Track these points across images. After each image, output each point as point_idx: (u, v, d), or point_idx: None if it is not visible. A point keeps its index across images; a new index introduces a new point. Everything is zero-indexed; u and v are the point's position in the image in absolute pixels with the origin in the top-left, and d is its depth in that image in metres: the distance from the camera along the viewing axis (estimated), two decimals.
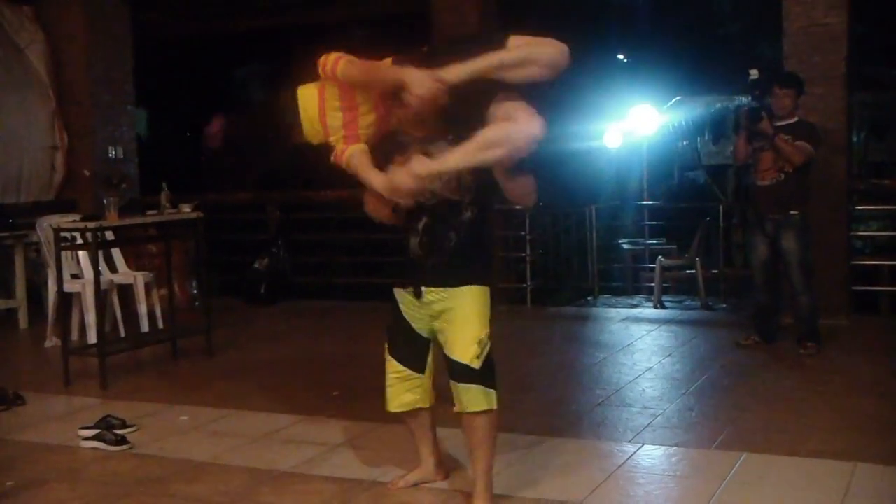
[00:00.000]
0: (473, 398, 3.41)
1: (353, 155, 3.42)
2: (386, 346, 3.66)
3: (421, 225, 3.47)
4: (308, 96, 3.45)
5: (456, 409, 3.46)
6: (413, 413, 3.69)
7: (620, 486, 3.80)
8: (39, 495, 3.89)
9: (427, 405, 3.68)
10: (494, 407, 3.45)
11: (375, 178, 3.36)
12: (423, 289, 3.48)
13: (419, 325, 3.57)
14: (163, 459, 4.30)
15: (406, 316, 3.58)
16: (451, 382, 3.45)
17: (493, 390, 3.43)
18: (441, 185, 3.36)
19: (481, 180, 3.41)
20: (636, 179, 13.56)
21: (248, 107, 15.53)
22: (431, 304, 3.49)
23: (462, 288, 3.44)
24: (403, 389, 3.62)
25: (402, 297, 3.58)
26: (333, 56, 3.31)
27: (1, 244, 8.09)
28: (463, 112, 3.28)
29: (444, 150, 3.30)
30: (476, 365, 3.40)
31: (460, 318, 3.44)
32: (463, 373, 3.41)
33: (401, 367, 3.61)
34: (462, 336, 3.43)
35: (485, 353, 3.42)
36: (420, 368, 3.62)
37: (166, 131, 14.21)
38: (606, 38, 13.31)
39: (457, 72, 3.18)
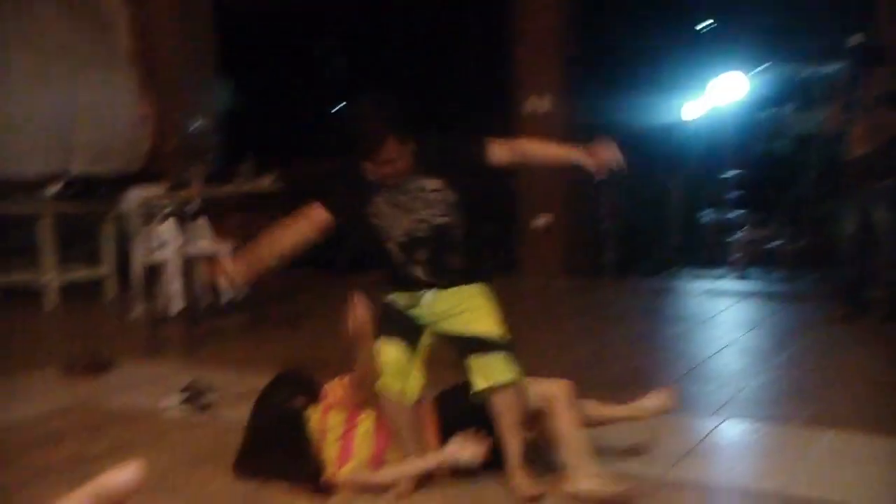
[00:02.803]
0: (501, 367, 3.37)
1: (350, 474, 3.47)
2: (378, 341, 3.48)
3: (424, 257, 3.52)
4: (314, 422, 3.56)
5: (480, 386, 3.39)
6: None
7: (702, 461, 3.75)
8: (127, 459, 3.98)
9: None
10: (521, 379, 3.42)
11: (378, 480, 3.47)
12: (428, 293, 3.54)
13: (418, 318, 3.56)
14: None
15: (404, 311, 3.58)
16: (472, 359, 3.41)
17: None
18: (429, 214, 3.48)
19: (461, 194, 3.53)
20: (719, 149, 13.28)
21: (329, 79, 15.64)
22: (436, 302, 3.53)
23: (471, 285, 3.54)
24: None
25: (399, 299, 3.60)
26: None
27: (90, 215, 8.29)
28: None
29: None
30: (501, 337, 3.42)
31: (476, 304, 3.50)
32: (487, 344, 3.40)
33: (396, 346, 3.48)
34: (483, 315, 3.48)
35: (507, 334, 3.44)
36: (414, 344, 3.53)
37: (249, 103, 14.39)
38: (689, 5, 13.03)
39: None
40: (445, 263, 3.53)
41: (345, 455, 3.52)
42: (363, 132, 3.36)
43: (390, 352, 3.46)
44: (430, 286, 3.54)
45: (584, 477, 3.32)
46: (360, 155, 3.41)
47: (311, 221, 3.63)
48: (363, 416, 3.57)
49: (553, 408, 3.45)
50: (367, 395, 3.49)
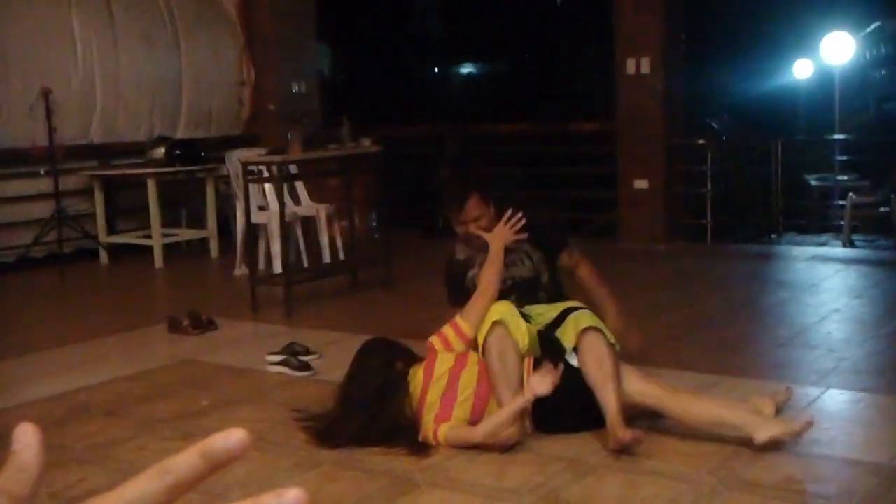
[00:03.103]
0: (590, 317, 3.64)
1: (449, 431, 3.52)
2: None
3: (512, 298, 3.83)
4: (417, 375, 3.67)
5: (571, 334, 3.58)
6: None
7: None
8: (231, 414, 4.11)
9: None
10: (613, 341, 3.58)
11: (477, 434, 3.47)
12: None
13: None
14: None
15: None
16: (566, 319, 3.64)
17: None
18: (517, 271, 4.00)
19: (549, 255, 4.07)
20: (826, 111, 12.88)
21: (425, 41, 15.65)
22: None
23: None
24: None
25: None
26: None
27: (193, 177, 8.50)
28: None
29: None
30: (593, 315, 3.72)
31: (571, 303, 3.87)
32: (578, 307, 3.74)
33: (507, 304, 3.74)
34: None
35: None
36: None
37: (348, 66, 14.51)
38: None
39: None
40: (534, 300, 3.97)
41: (444, 414, 3.56)
42: (449, 192, 3.89)
43: (502, 304, 3.70)
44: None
45: (760, 427, 3.32)
46: (448, 212, 3.97)
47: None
48: (471, 356, 3.67)
49: (656, 395, 3.52)
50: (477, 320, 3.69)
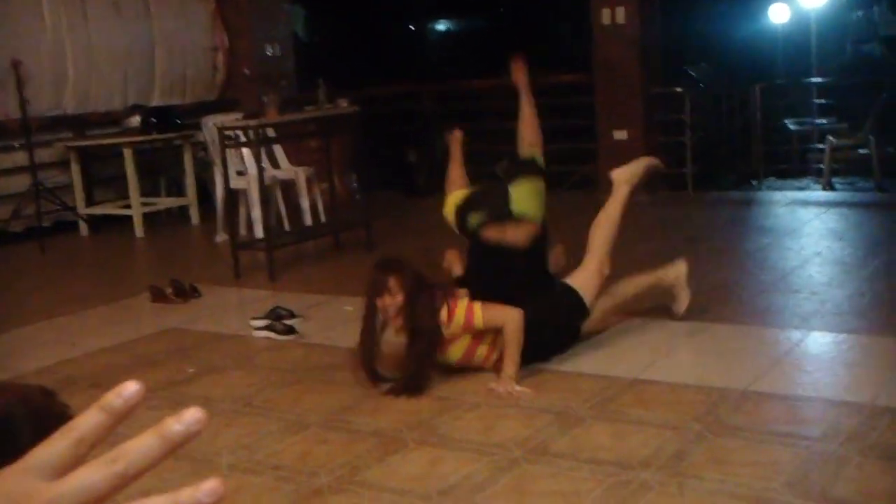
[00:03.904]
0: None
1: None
2: None
3: None
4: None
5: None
6: None
7: (787, 374, 3.71)
8: (218, 381, 4.11)
9: None
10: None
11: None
12: None
13: None
14: (330, 348, 4.46)
15: None
16: None
17: None
18: None
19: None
20: (804, 55, 12.86)
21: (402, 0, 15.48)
22: None
23: None
24: None
25: None
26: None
27: (170, 145, 8.43)
28: None
29: None
30: None
31: None
32: None
33: None
34: None
35: None
36: None
37: (323, 27, 14.36)
38: None
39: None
40: None
41: (468, 355, 3.83)
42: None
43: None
44: None
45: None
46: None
47: None
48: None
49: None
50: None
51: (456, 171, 4.60)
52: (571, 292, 4.05)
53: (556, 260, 4.39)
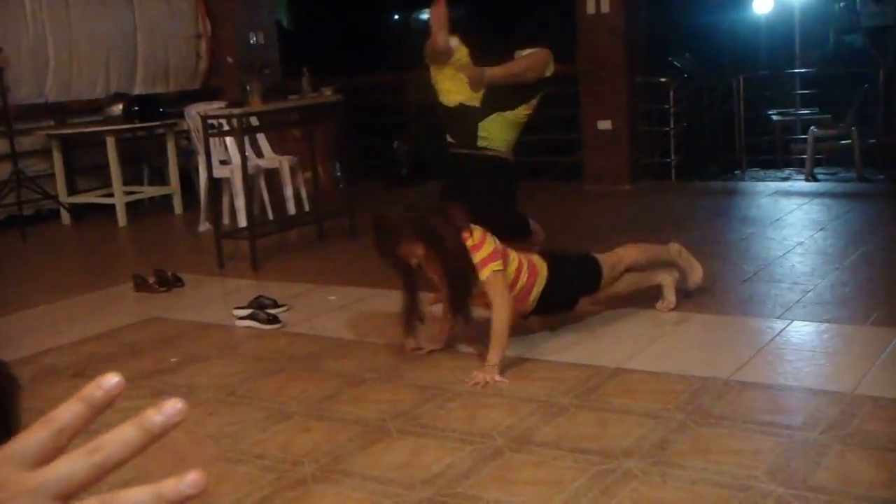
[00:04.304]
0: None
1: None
2: None
3: None
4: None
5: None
6: None
7: (769, 363, 3.73)
8: (202, 370, 4.10)
9: None
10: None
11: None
12: None
13: None
14: (313, 337, 4.46)
15: None
16: None
17: None
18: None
19: None
20: (787, 46, 12.89)
21: None
22: None
23: None
24: None
25: None
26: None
27: (154, 133, 8.39)
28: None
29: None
30: None
31: None
32: None
33: None
34: None
35: None
36: None
37: (307, 16, 14.30)
38: None
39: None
40: None
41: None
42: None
43: None
44: None
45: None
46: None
47: None
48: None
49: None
50: None
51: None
52: (595, 263, 4.22)
53: (536, 235, 4.82)
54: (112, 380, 0.52)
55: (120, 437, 0.51)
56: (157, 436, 0.51)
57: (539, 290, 4.02)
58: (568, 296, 4.20)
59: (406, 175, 9.14)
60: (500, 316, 3.73)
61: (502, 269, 3.80)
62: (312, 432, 3.32)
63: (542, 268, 4.05)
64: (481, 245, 3.78)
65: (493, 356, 3.70)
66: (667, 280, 4.46)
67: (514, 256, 3.96)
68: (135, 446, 0.51)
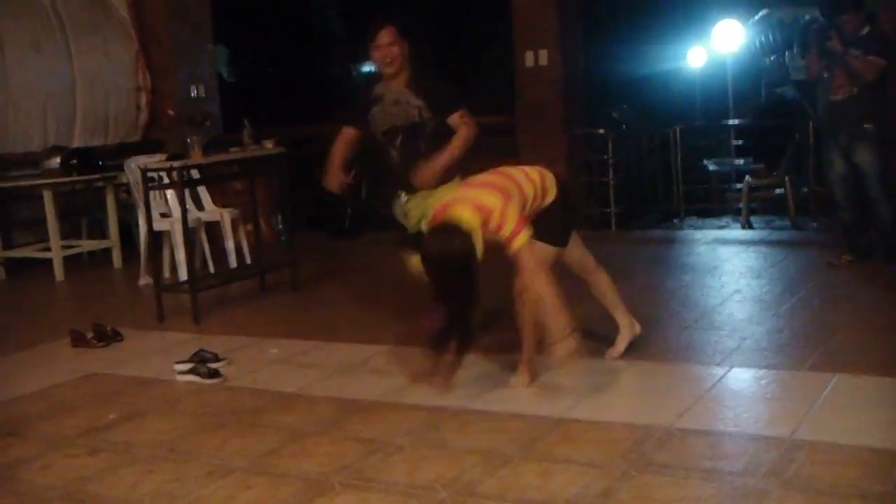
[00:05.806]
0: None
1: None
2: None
3: (398, 142, 4.69)
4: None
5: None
6: None
7: (710, 410, 3.77)
8: (140, 426, 4.02)
9: None
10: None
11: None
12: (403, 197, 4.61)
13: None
14: (255, 391, 4.41)
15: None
16: None
17: None
18: (406, 118, 4.67)
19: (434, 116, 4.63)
20: (721, 98, 13.22)
21: (325, 40, 15.53)
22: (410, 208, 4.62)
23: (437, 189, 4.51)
24: None
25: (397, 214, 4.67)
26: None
27: (92, 186, 8.30)
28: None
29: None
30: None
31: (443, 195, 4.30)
32: None
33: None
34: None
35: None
36: None
37: (248, 68, 14.32)
38: None
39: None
40: (415, 148, 4.61)
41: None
42: (372, 22, 4.61)
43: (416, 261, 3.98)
44: (405, 184, 4.62)
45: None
46: (368, 41, 4.64)
47: (346, 137, 5.10)
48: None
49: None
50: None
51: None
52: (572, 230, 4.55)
53: None
54: None
55: None
56: None
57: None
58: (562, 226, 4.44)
59: (348, 226, 9.12)
60: (540, 291, 3.90)
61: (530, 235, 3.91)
62: (254, 489, 3.27)
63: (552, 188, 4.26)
64: (504, 220, 3.85)
65: (555, 331, 3.80)
66: (626, 328, 4.53)
67: (528, 186, 4.13)
68: None
